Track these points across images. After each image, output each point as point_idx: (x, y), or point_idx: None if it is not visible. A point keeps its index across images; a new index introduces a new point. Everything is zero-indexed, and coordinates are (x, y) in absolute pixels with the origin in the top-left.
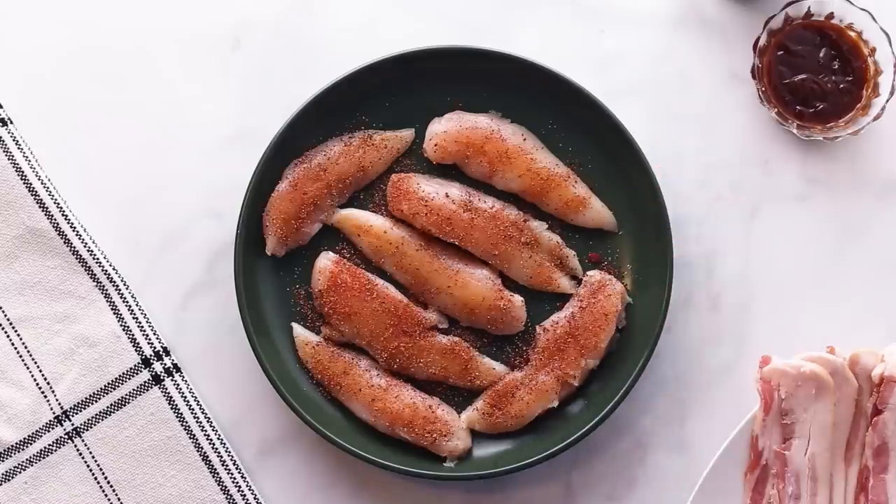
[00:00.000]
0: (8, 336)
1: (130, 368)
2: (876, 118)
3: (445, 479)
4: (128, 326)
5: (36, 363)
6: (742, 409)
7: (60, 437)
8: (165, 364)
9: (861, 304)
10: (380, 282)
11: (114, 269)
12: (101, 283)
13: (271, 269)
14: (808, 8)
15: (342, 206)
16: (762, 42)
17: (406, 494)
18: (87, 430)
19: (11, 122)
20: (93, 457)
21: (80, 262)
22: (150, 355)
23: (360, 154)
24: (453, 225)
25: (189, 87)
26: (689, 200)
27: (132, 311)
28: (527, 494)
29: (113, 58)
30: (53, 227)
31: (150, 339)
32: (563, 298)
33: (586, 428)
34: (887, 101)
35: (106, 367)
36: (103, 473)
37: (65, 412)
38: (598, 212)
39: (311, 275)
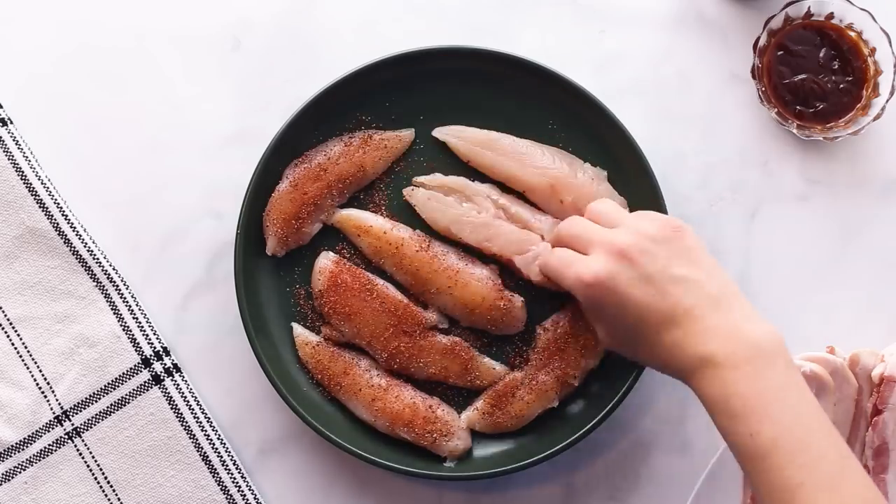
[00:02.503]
0: (8, 336)
1: (130, 368)
2: (876, 118)
3: (445, 479)
4: (128, 326)
5: (36, 363)
6: None
7: (60, 437)
8: (165, 364)
9: (861, 304)
10: (380, 282)
11: (114, 269)
12: (101, 283)
13: (271, 269)
14: (808, 8)
15: (342, 206)
16: (762, 42)
17: (406, 494)
18: (87, 430)
19: (11, 122)
20: (93, 457)
21: (80, 262)
22: (150, 355)
23: (360, 154)
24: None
25: (189, 87)
26: (689, 200)
27: (132, 311)
28: (527, 494)
29: (113, 57)
30: (53, 227)
31: (150, 339)
32: (564, 298)
33: (586, 428)
34: (887, 101)
35: (106, 367)
36: (103, 473)
37: (65, 412)
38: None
39: (311, 275)
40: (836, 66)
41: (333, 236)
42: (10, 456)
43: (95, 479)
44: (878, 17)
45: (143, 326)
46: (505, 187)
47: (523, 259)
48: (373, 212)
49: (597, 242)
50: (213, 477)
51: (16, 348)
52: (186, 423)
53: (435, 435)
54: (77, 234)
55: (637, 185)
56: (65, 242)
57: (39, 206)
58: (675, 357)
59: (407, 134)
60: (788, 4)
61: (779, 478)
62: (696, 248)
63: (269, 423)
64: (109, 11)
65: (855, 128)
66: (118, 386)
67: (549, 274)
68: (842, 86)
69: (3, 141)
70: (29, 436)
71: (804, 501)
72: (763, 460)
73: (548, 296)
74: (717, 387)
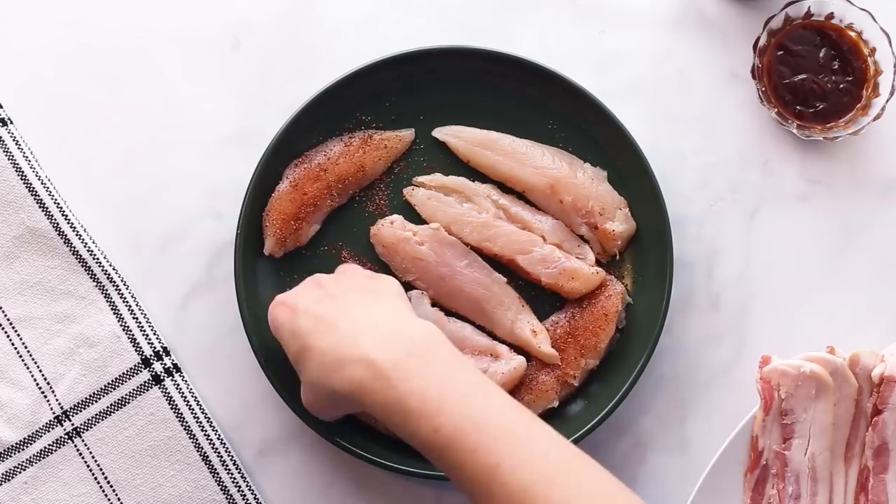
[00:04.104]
0: (8, 336)
1: (130, 368)
2: (876, 118)
3: (445, 479)
4: (128, 326)
5: (36, 363)
6: (742, 409)
7: (60, 437)
8: (165, 364)
9: (861, 304)
10: None
11: (114, 269)
12: (101, 283)
13: (271, 269)
14: (808, 8)
15: (342, 207)
16: (762, 42)
17: (406, 494)
18: (87, 430)
19: (11, 122)
20: (93, 457)
21: (80, 262)
22: (150, 355)
23: (360, 154)
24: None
25: (189, 87)
26: (689, 200)
27: (132, 311)
28: None
29: (113, 57)
30: (53, 227)
31: (150, 339)
32: (563, 298)
33: (586, 428)
34: (887, 101)
35: (106, 367)
36: (103, 473)
37: (65, 412)
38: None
39: None
40: (836, 66)
41: (333, 236)
42: (10, 456)
43: (95, 479)
44: (878, 17)
45: (143, 326)
46: (505, 187)
47: (528, 259)
48: (371, 212)
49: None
50: (213, 477)
51: (16, 348)
52: (186, 423)
53: None
54: (77, 234)
55: (637, 185)
56: (65, 242)
57: (39, 206)
58: (340, 371)
59: (407, 134)
60: (788, 4)
61: (473, 464)
62: (348, 289)
63: (269, 423)
64: (110, 11)
65: (855, 128)
66: (118, 386)
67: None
68: (842, 86)
69: (3, 141)
70: (29, 436)
71: (503, 481)
72: (453, 451)
73: (548, 296)
74: (386, 390)
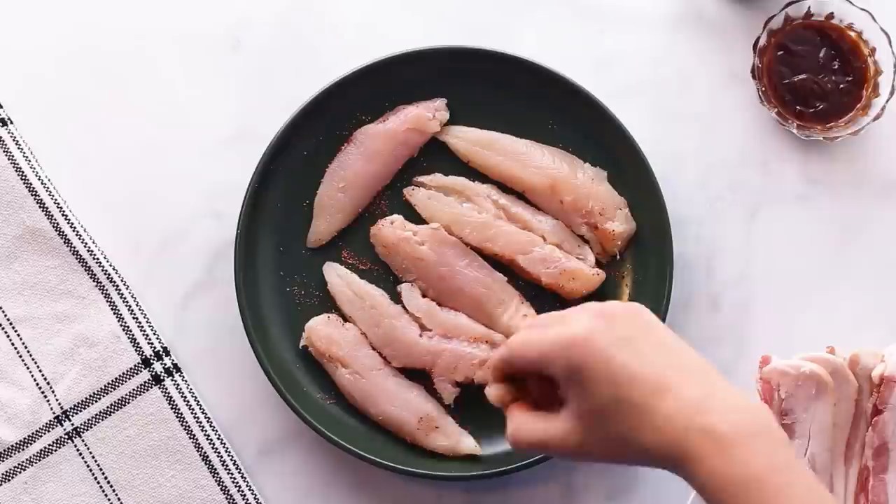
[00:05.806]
0: (8, 336)
1: (130, 368)
2: (876, 118)
3: (445, 479)
4: (128, 326)
5: (36, 363)
6: None
7: (60, 437)
8: (165, 364)
9: (861, 304)
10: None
11: (114, 269)
12: (101, 283)
13: (271, 269)
14: (808, 8)
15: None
16: (762, 42)
17: (406, 494)
18: (87, 430)
19: (11, 122)
20: (93, 457)
21: (80, 262)
22: (150, 355)
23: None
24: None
25: (189, 87)
26: (689, 200)
27: (132, 311)
28: (527, 494)
29: (113, 58)
30: (53, 227)
31: (150, 340)
32: (564, 299)
33: None
34: (887, 101)
35: (106, 367)
36: (103, 473)
37: (65, 412)
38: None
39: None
40: (836, 66)
41: (336, 237)
42: (10, 456)
43: (95, 479)
44: (878, 17)
45: (143, 326)
46: (505, 187)
47: (529, 259)
48: (372, 211)
49: (573, 310)
50: (213, 477)
51: (16, 348)
52: (186, 423)
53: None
54: (77, 234)
55: (637, 185)
56: (65, 242)
57: (39, 206)
58: (671, 431)
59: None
60: (788, 4)
61: None
62: (659, 322)
63: (269, 423)
64: (110, 12)
65: (855, 128)
66: (118, 386)
67: (518, 349)
68: (842, 86)
69: (3, 141)
70: (29, 436)
71: None
72: None
73: (548, 296)
74: (728, 466)
